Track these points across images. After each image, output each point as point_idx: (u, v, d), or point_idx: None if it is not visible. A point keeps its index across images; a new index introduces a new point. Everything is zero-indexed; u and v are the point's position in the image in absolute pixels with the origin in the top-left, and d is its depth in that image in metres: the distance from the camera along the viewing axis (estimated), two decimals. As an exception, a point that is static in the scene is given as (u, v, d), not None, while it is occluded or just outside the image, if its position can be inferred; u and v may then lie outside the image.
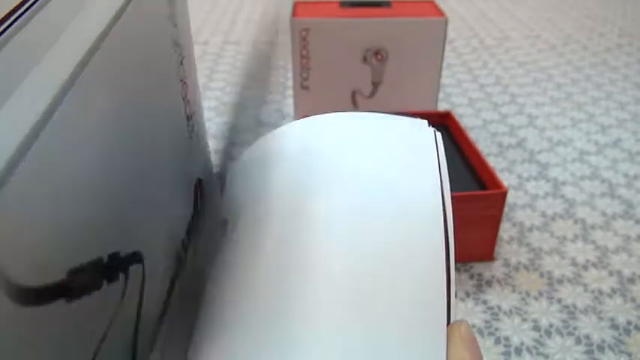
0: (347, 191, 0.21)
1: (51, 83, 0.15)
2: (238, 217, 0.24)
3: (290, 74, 0.91)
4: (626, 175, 0.63)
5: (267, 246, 0.21)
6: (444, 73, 0.92)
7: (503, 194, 0.46)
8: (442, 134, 0.59)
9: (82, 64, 0.17)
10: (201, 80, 0.89)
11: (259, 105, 0.81)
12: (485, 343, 0.42)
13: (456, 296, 0.46)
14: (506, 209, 0.57)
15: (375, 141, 0.23)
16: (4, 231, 0.12)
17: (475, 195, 0.46)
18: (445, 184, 0.22)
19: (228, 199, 0.27)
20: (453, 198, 0.45)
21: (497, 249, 0.51)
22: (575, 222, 0.55)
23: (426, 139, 0.23)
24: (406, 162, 0.22)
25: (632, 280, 0.48)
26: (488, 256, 0.50)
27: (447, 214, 0.21)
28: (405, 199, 0.21)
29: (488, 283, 0.47)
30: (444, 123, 0.61)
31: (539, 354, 0.41)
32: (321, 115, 0.26)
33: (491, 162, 0.66)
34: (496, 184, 0.47)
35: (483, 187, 0.50)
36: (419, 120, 0.25)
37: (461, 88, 0.86)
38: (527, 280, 0.48)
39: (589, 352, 0.41)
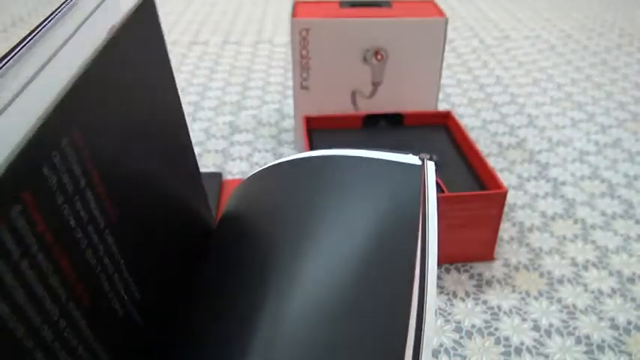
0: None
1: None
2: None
3: (290, 74, 0.91)
4: (626, 175, 0.63)
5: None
6: (444, 73, 0.92)
7: (504, 194, 0.46)
8: (442, 134, 0.60)
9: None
10: (201, 80, 0.89)
11: (259, 105, 0.81)
12: (485, 343, 0.42)
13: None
14: (506, 209, 0.57)
15: (355, 195, 0.23)
16: None
17: (475, 195, 0.46)
18: (430, 234, 0.21)
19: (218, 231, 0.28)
20: (452, 198, 0.45)
21: (497, 249, 0.51)
22: (575, 222, 0.55)
23: (409, 187, 0.22)
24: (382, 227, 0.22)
25: (632, 280, 0.48)
26: (488, 256, 0.50)
27: (428, 264, 0.20)
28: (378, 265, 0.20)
29: (488, 283, 0.47)
30: (444, 123, 0.61)
31: (539, 354, 0.41)
32: (312, 155, 0.26)
33: (491, 162, 0.66)
34: (496, 184, 0.47)
35: (483, 187, 0.50)
36: (405, 159, 0.24)
37: (461, 88, 0.86)
38: (527, 280, 0.48)
39: (589, 352, 0.41)
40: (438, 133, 0.60)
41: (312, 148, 0.57)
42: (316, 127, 0.61)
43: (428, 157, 0.54)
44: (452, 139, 0.59)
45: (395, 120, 0.61)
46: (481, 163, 0.51)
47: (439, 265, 0.49)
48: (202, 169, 0.64)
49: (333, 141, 0.58)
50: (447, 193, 0.45)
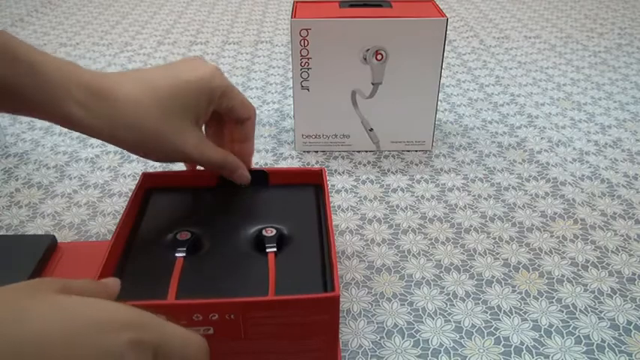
0: None
1: None
2: None
3: (290, 74, 0.91)
4: (626, 175, 0.63)
5: None
6: (444, 73, 0.92)
7: (335, 299, 0.33)
8: (309, 197, 0.46)
9: None
10: (201, 80, 0.89)
11: (259, 105, 0.81)
12: (485, 343, 0.42)
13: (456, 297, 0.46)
14: (507, 209, 0.57)
15: None
16: None
17: (293, 300, 0.33)
18: None
19: None
20: (273, 304, 0.34)
21: (497, 249, 0.51)
22: (575, 222, 0.55)
23: None
24: None
25: (632, 280, 0.48)
26: None
27: None
28: None
29: (488, 283, 0.47)
30: (316, 182, 0.48)
31: (539, 354, 0.41)
32: None
33: (491, 162, 0.66)
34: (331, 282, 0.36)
35: (324, 279, 0.37)
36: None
37: (461, 88, 0.86)
38: (527, 280, 0.48)
39: (589, 352, 0.41)
40: (306, 195, 0.46)
41: (143, 213, 0.44)
42: (158, 185, 0.47)
43: (273, 232, 0.41)
44: (318, 205, 0.45)
45: (258, 178, 0.47)
46: (331, 245, 0.37)
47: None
48: (202, 169, 0.64)
49: (172, 205, 0.45)
50: (270, 297, 0.34)
